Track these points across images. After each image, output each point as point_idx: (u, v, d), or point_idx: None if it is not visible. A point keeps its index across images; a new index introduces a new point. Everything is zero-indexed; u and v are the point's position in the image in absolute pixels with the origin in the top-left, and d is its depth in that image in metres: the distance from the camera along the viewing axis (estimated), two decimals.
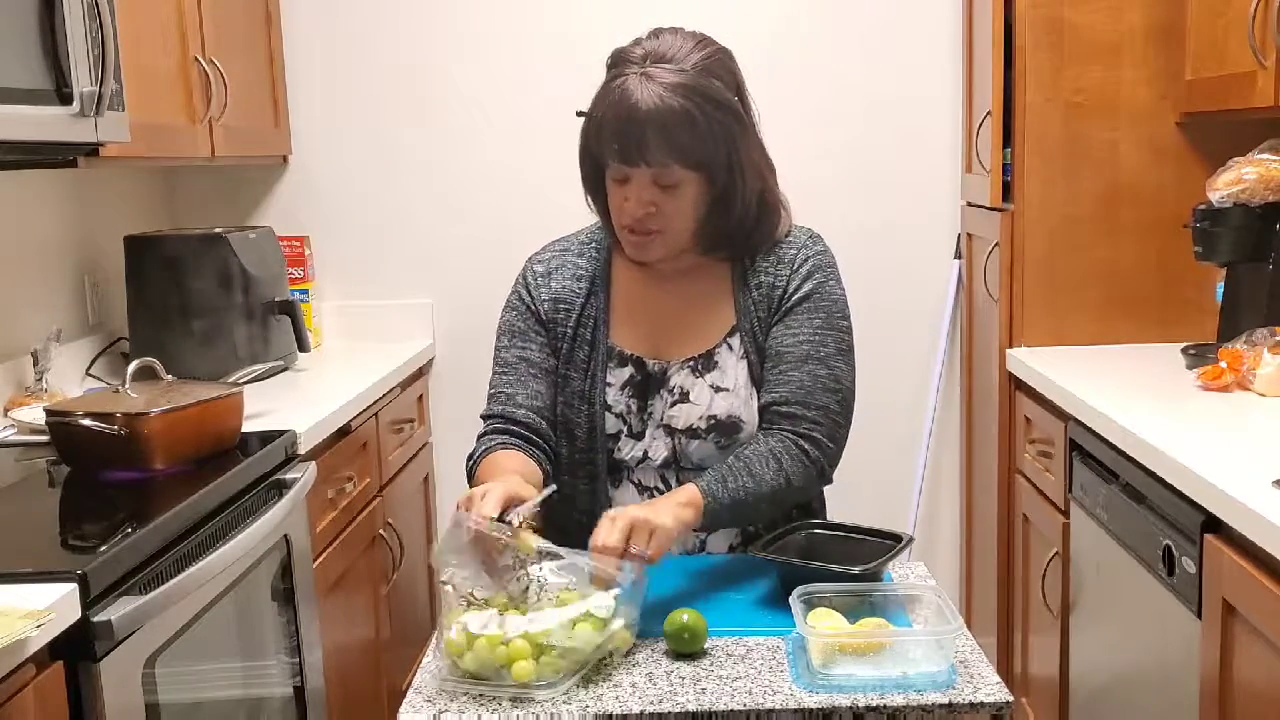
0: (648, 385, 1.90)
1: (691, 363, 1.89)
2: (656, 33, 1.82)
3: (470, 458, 1.90)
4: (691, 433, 1.87)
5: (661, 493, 1.87)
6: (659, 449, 1.88)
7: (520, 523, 1.57)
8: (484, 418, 1.94)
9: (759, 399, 1.87)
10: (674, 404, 1.88)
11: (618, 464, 1.90)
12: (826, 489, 2.02)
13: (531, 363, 1.93)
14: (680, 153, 1.76)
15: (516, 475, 1.72)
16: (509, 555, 1.55)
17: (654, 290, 1.93)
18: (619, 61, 1.80)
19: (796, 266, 1.89)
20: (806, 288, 1.88)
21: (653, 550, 1.58)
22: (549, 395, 1.92)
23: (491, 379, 1.97)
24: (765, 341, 1.88)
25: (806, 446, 1.83)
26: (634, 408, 1.90)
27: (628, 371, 1.90)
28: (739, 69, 1.85)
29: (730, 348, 1.88)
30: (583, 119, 1.84)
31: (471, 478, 1.87)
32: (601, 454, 1.89)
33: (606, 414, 1.89)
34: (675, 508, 1.68)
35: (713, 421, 1.86)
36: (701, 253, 1.90)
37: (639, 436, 1.89)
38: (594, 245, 1.98)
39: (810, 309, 1.88)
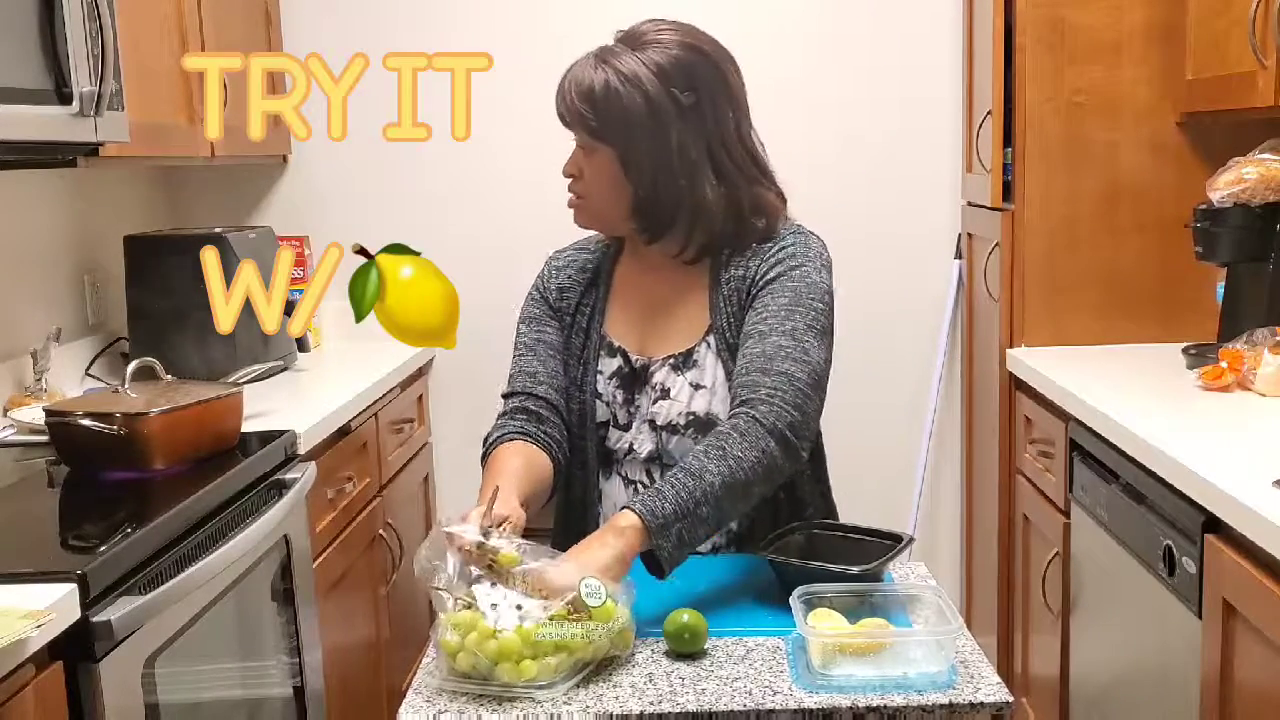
0: (633, 379, 1.92)
1: (673, 360, 1.91)
2: (654, 19, 1.88)
3: (486, 440, 1.92)
4: (671, 429, 1.88)
5: (645, 486, 1.89)
6: (644, 443, 1.90)
7: (493, 543, 1.54)
8: (505, 396, 1.96)
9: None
10: (656, 400, 1.90)
11: (608, 454, 1.93)
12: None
13: (550, 344, 1.97)
14: (581, 119, 1.84)
15: (510, 482, 1.73)
16: (493, 573, 1.54)
17: (647, 286, 1.96)
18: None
19: (768, 256, 1.88)
20: (775, 271, 1.86)
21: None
22: (566, 377, 1.96)
23: (513, 362, 2.00)
24: (738, 336, 1.86)
25: (759, 414, 1.71)
26: (620, 399, 1.92)
27: (616, 362, 1.94)
28: (715, 74, 1.84)
29: (709, 346, 1.89)
30: None
31: (483, 462, 1.90)
32: (592, 441, 1.92)
33: (596, 402, 1.92)
34: (610, 537, 1.60)
35: (692, 418, 1.87)
36: (644, 240, 1.91)
37: (625, 428, 1.92)
38: (605, 242, 2.03)
39: (776, 290, 1.84)
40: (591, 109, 1.82)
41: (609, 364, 1.94)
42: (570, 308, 1.98)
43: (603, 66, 1.82)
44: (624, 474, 1.92)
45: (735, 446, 1.69)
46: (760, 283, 1.86)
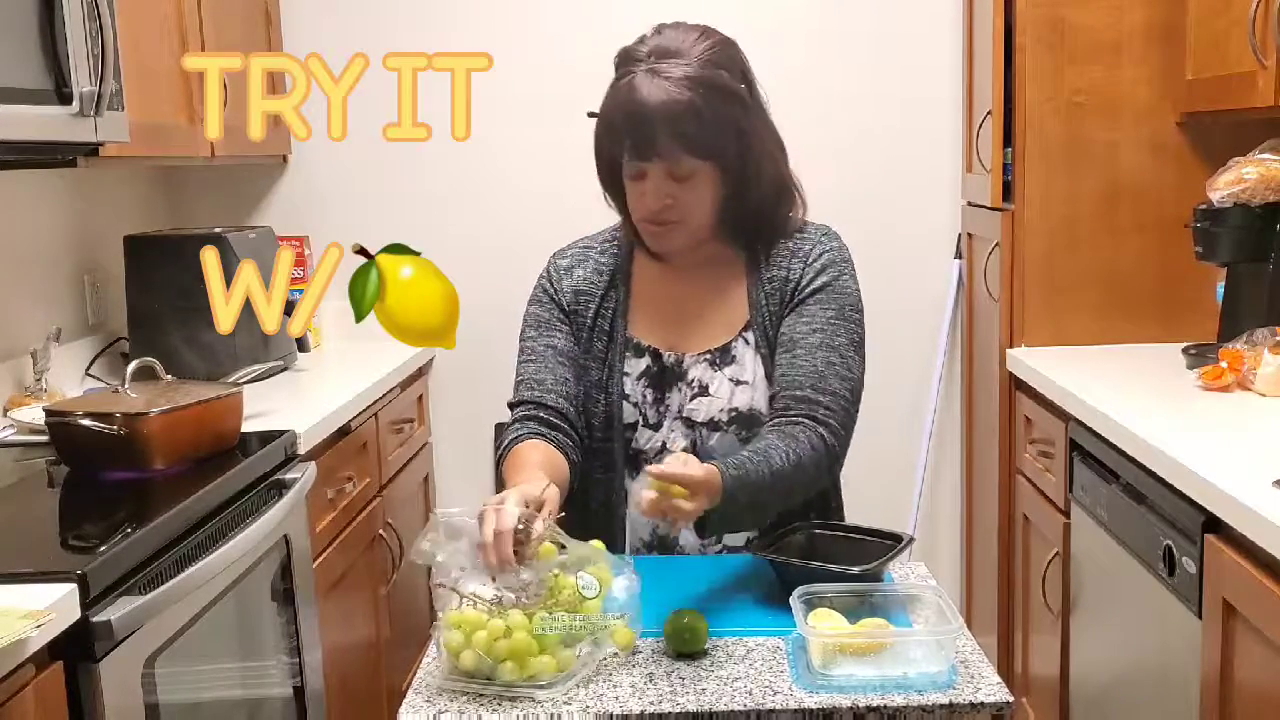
0: (664, 377, 1.91)
1: (709, 356, 1.91)
2: (660, 29, 1.85)
3: (499, 446, 1.93)
4: (713, 425, 1.89)
5: None
6: (678, 440, 1.90)
7: (538, 537, 1.53)
8: (512, 406, 1.96)
9: (775, 384, 1.87)
10: (694, 397, 1.89)
11: (635, 454, 1.92)
12: None
13: (559, 350, 1.95)
14: (690, 144, 1.78)
15: (536, 469, 1.74)
16: (529, 567, 1.53)
17: (672, 284, 1.95)
18: (626, 60, 1.83)
19: (810, 260, 1.91)
20: (820, 280, 1.90)
21: (682, 515, 1.56)
22: (576, 383, 1.95)
23: (518, 368, 1.98)
24: (776, 334, 1.89)
25: (823, 433, 1.80)
26: (649, 398, 1.91)
27: (644, 362, 1.92)
28: (745, 57, 1.87)
29: (747, 342, 1.90)
30: (594, 120, 1.85)
31: (499, 468, 1.91)
32: (619, 444, 1.91)
33: (624, 403, 1.91)
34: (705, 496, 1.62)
35: (734, 413, 1.88)
36: (721, 241, 1.93)
37: (655, 427, 1.91)
38: (615, 243, 2.01)
39: (824, 300, 1.89)
40: (698, 131, 1.77)
41: (636, 364, 1.92)
42: (589, 310, 1.95)
43: (682, 85, 1.76)
44: None
45: (805, 455, 1.77)
46: (805, 289, 1.89)
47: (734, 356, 1.90)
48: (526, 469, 1.75)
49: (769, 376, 1.89)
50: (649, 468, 1.57)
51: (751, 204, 1.87)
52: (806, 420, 1.81)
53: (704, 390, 1.89)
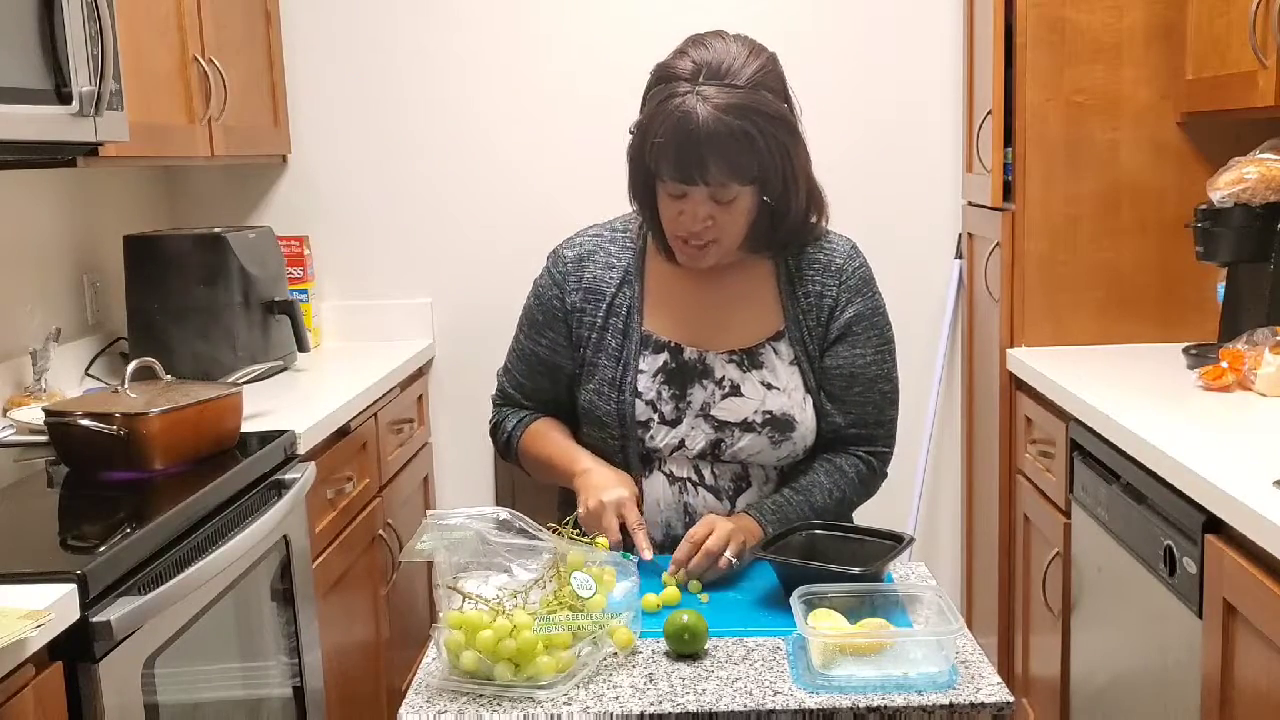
0: (684, 373, 1.91)
1: (736, 357, 1.90)
2: (703, 42, 1.81)
3: (499, 427, 2.03)
4: (746, 426, 1.89)
5: (694, 483, 1.90)
6: (698, 439, 1.89)
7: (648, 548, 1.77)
8: (499, 391, 2.07)
9: (837, 416, 1.93)
10: (724, 397, 1.89)
11: (649, 453, 1.91)
12: None
13: (540, 358, 2.00)
14: (739, 171, 1.78)
15: (571, 440, 1.95)
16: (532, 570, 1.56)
17: (692, 281, 1.95)
18: (670, 77, 1.79)
19: (844, 280, 1.94)
20: (859, 305, 1.94)
21: (734, 557, 1.75)
22: (551, 389, 2.00)
23: (508, 353, 2.07)
24: (822, 357, 1.92)
25: (877, 464, 1.96)
26: (665, 395, 1.91)
27: (662, 358, 1.92)
28: (783, 70, 1.86)
29: (777, 351, 1.91)
30: (633, 130, 1.84)
31: (509, 448, 2.01)
32: (633, 442, 1.91)
33: (636, 401, 1.90)
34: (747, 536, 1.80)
35: (768, 416, 1.89)
36: (748, 251, 1.93)
37: (674, 424, 1.90)
38: (628, 235, 2.00)
39: (867, 326, 1.95)
40: (749, 159, 1.77)
41: (654, 361, 1.92)
42: (598, 309, 1.94)
43: (735, 114, 1.75)
44: (668, 471, 1.91)
45: (851, 491, 1.94)
46: (844, 310, 1.93)
47: (763, 361, 1.90)
48: (562, 438, 1.94)
49: (808, 388, 1.91)
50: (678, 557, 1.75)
51: (789, 220, 1.88)
52: (864, 452, 1.95)
53: (736, 390, 1.89)
